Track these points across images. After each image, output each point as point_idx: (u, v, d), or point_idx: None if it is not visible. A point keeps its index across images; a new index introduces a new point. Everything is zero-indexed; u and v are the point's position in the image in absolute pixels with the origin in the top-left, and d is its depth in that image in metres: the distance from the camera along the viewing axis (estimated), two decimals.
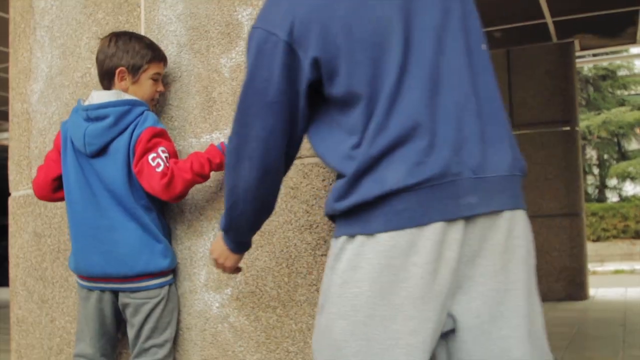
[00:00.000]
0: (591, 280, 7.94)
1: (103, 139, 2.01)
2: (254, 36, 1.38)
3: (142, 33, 2.24)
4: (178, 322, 2.12)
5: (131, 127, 2.00)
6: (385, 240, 1.27)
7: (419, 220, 1.26)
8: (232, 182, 1.46)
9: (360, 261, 1.29)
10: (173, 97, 2.18)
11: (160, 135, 2.01)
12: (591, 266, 9.83)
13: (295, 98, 1.37)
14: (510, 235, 1.33)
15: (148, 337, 2.03)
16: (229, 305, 2.04)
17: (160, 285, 2.04)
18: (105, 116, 2.01)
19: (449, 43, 1.35)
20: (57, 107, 2.44)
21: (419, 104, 1.29)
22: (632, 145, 17.82)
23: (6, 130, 11.70)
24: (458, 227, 1.27)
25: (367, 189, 1.28)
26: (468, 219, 1.28)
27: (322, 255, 1.91)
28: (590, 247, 11.25)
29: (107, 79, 2.08)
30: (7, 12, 2.82)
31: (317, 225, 1.92)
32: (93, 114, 2.02)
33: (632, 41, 7.97)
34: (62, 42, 2.44)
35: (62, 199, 2.14)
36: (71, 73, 2.41)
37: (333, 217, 1.38)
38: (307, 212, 1.94)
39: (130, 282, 2.02)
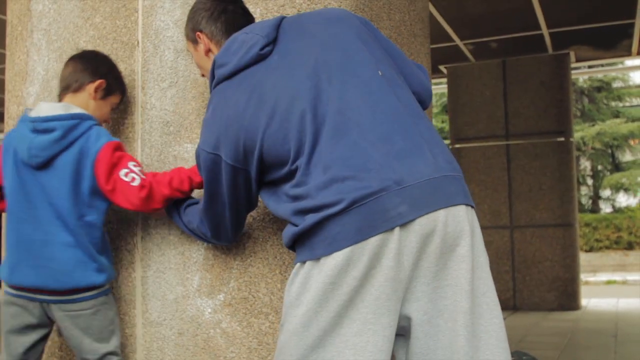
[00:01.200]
0: (583, 290, 7.96)
1: (49, 152, 1.98)
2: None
3: (140, 38, 2.24)
4: (170, 327, 2.12)
5: (80, 141, 1.99)
6: (328, 262, 1.42)
7: (354, 239, 1.40)
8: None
9: (310, 283, 1.44)
10: (169, 103, 2.18)
11: (120, 149, 2.02)
12: (584, 276, 9.86)
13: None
14: (449, 236, 1.44)
15: (98, 349, 2.01)
16: (222, 311, 2.05)
17: (94, 297, 2.02)
18: (52, 129, 1.99)
19: (345, 90, 1.53)
20: None
21: (333, 148, 1.47)
22: (626, 156, 17.88)
23: (2, 131, 11.66)
24: (394, 237, 1.40)
25: (309, 219, 1.45)
26: (404, 225, 1.40)
27: None
28: (583, 258, 11.29)
29: (79, 84, 2.08)
30: (4, 14, 2.82)
31: None
32: (40, 126, 2.00)
33: (627, 53, 8.01)
34: (59, 46, 2.44)
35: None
36: None
37: (293, 247, 1.55)
38: None
39: (61, 295, 1.99)
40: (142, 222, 2.19)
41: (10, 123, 2.60)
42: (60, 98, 2.11)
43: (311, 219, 1.43)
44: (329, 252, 1.42)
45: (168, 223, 2.15)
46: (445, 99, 16.51)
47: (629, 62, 13.02)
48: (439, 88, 15.60)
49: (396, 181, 1.41)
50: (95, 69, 2.10)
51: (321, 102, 1.51)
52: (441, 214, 1.43)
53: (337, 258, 1.40)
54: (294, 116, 1.50)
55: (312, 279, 1.44)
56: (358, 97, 1.52)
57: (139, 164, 2.01)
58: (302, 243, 1.48)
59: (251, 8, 2.05)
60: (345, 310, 1.41)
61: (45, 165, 1.99)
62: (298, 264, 1.50)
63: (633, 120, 17.38)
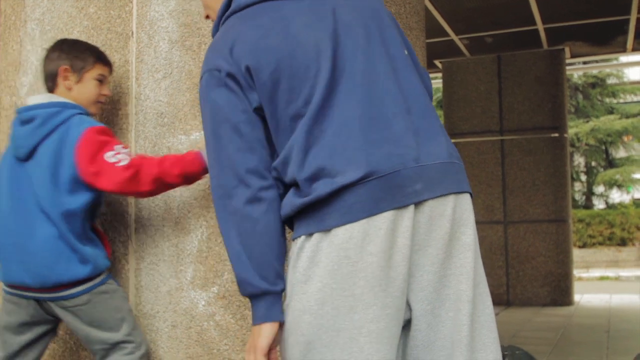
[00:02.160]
0: (576, 286, 7.99)
1: (30, 141, 1.97)
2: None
3: (134, 29, 2.23)
4: (164, 319, 2.11)
5: (60, 129, 1.96)
6: (341, 233, 1.34)
7: (370, 211, 1.33)
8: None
9: (319, 256, 1.35)
10: (163, 94, 2.17)
11: (106, 133, 1.97)
12: (576, 272, 9.90)
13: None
14: (456, 223, 1.41)
15: (107, 339, 1.98)
16: (215, 303, 2.04)
17: (86, 291, 1.97)
18: (33, 118, 1.98)
19: (373, 55, 1.47)
20: None
21: (350, 112, 1.39)
22: (619, 153, 17.92)
23: None
24: (408, 215, 1.35)
25: (321, 188, 1.35)
26: (416, 205, 1.36)
27: None
28: (576, 253, 11.34)
29: (50, 80, 2.06)
30: None
31: None
32: (23, 116, 2.00)
33: (622, 50, 8.02)
34: (53, 36, 2.43)
35: None
36: None
37: (291, 218, 1.43)
38: None
39: (49, 292, 1.96)
40: (135, 214, 2.18)
41: (3, 114, 2.58)
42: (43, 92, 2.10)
43: (325, 187, 1.35)
44: (342, 223, 1.34)
45: (162, 215, 2.14)
46: (440, 94, 16.52)
47: (624, 58, 13.04)
48: (434, 83, 15.59)
49: (414, 158, 1.38)
50: (55, 57, 2.06)
51: (344, 59, 1.44)
52: (451, 198, 1.40)
53: (351, 230, 1.33)
54: (310, 70, 1.42)
55: (322, 252, 1.35)
56: (385, 66, 1.46)
57: (127, 147, 1.97)
58: (308, 214, 1.38)
59: None
60: (361, 292, 1.32)
61: (29, 156, 1.97)
62: (302, 237, 1.39)
63: (627, 117, 17.43)
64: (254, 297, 1.42)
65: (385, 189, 1.34)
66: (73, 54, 2.07)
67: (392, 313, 1.34)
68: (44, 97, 2.03)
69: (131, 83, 2.22)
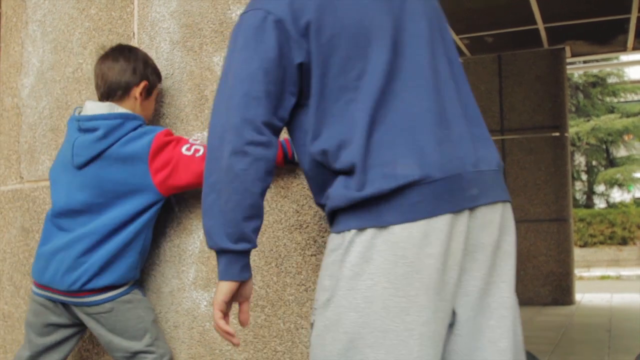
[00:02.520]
0: (577, 285, 7.99)
1: (90, 152, 1.96)
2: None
3: (135, 30, 2.23)
4: (166, 320, 2.11)
5: (124, 140, 1.94)
6: (399, 232, 1.30)
7: (431, 212, 1.30)
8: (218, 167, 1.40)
9: (373, 253, 1.30)
10: (165, 95, 2.18)
11: (172, 134, 1.98)
12: (578, 271, 9.89)
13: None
14: (503, 231, 1.40)
15: (128, 347, 1.97)
16: None
17: (110, 299, 1.97)
18: (95, 128, 1.96)
19: (436, 53, 1.44)
20: (48, 102, 2.43)
21: (419, 103, 1.36)
22: (620, 152, 17.91)
23: None
24: (463, 219, 1.33)
25: (381, 182, 1.31)
26: (471, 210, 1.34)
27: (311, 255, 1.91)
28: (577, 253, 11.32)
29: (123, 90, 2.01)
30: None
31: (307, 225, 1.93)
32: (84, 125, 1.98)
33: (623, 49, 8.02)
34: (54, 37, 2.43)
35: None
36: (62, 68, 2.40)
37: (336, 211, 1.38)
38: (297, 212, 1.94)
39: (73, 296, 1.96)
40: None
41: (4, 115, 2.59)
42: (102, 100, 2.04)
43: (387, 181, 1.30)
44: (401, 221, 1.30)
45: (163, 215, 2.14)
46: None
47: (624, 57, 13.00)
48: None
49: (473, 162, 1.37)
50: (133, 69, 2.02)
51: (404, 45, 1.40)
52: (500, 206, 1.40)
53: (410, 229, 1.29)
54: (370, 45, 1.38)
55: (377, 249, 1.30)
56: (445, 65, 1.44)
57: (197, 140, 1.97)
58: (361, 207, 1.33)
59: (239, 7, 2.04)
60: (415, 294, 1.29)
61: (86, 164, 1.97)
62: (353, 231, 1.33)
63: (628, 116, 17.41)
64: (217, 252, 1.41)
65: (447, 191, 1.32)
66: (150, 69, 2.06)
67: (441, 317, 1.32)
68: (105, 107, 1.99)
69: None
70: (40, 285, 2.03)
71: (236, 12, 2.06)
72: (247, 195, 1.37)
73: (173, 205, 2.13)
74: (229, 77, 1.40)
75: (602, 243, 15.15)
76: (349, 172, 1.35)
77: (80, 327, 2.07)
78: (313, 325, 1.39)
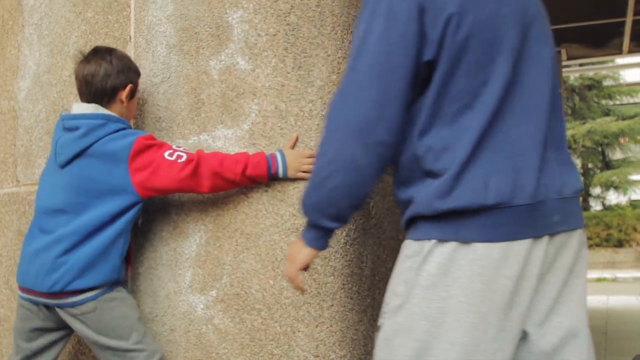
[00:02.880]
0: None
1: (72, 150, 1.97)
2: None
3: (132, 33, 2.23)
4: (162, 323, 2.11)
5: (105, 140, 1.95)
6: (480, 249, 1.31)
7: (513, 235, 1.32)
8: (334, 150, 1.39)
9: (452, 266, 1.32)
10: (161, 98, 2.18)
11: (155, 139, 1.99)
12: None
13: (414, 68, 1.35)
14: (578, 255, 1.43)
15: (117, 347, 1.96)
16: (214, 307, 2.04)
17: (92, 298, 1.95)
18: (77, 127, 1.98)
19: (552, 77, 1.44)
20: (44, 105, 2.43)
21: (526, 126, 1.37)
22: (616, 154, 17.94)
23: None
24: (542, 245, 1.35)
25: (468, 197, 1.32)
26: (551, 236, 1.36)
27: None
28: None
29: (109, 94, 2.01)
30: None
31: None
32: (67, 124, 2.01)
33: (618, 52, 8.04)
34: (51, 40, 2.43)
35: None
36: (59, 71, 2.40)
37: (416, 217, 1.38)
38: (294, 216, 1.95)
39: (55, 298, 1.95)
40: None
41: (1, 118, 2.59)
42: (89, 102, 2.04)
43: (477, 196, 1.30)
44: (484, 239, 1.31)
45: (160, 219, 2.14)
46: None
47: (620, 60, 13.05)
48: None
49: (557, 189, 1.39)
50: (118, 72, 2.02)
51: (524, 60, 1.39)
52: (578, 232, 1.43)
53: (491, 249, 1.31)
54: (500, 54, 1.35)
55: (457, 263, 1.31)
56: (549, 84, 1.44)
57: (180, 147, 1.98)
58: (445, 218, 1.33)
59: (244, 3, 2.04)
60: (486, 312, 1.31)
61: (68, 163, 1.98)
62: (433, 241, 1.34)
63: (624, 119, 17.44)
64: (311, 223, 1.48)
65: (531, 217, 1.33)
66: (132, 71, 2.06)
67: (505, 337, 1.34)
68: (89, 107, 2.01)
69: None
70: (23, 289, 2.02)
71: (232, 15, 2.06)
72: (361, 187, 1.40)
73: (169, 209, 2.13)
74: (364, 65, 1.35)
75: (598, 245, 15.17)
76: (440, 175, 1.34)
77: (66, 330, 2.07)
78: (381, 327, 1.42)
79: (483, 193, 1.31)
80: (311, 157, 1.92)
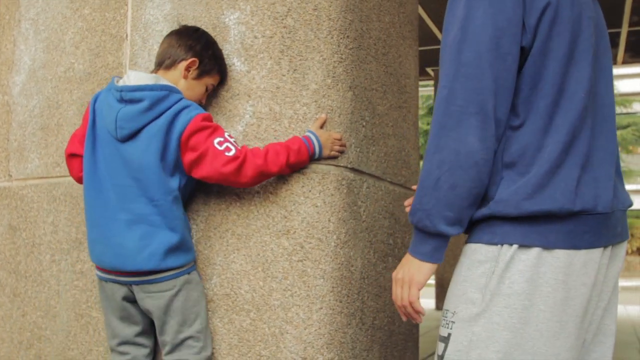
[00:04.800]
0: None
1: (135, 124, 1.88)
2: None
3: (129, 31, 2.23)
4: None
5: (168, 113, 1.88)
6: (563, 257, 1.30)
7: (592, 243, 1.33)
8: (449, 147, 1.31)
9: (535, 274, 1.29)
10: None
11: (211, 120, 1.93)
12: None
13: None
14: (622, 264, 1.48)
15: (178, 332, 1.93)
16: None
17: (173, 277, 1.93)
18: (140, 99, 1.88)
19: (607, 85, 1.46)
20: (39, 100, 2.43)
21: (601, 136, 1.39)
22: None
23: None
24: (607, 253, 1.38)
25: (559, 200, 1.29)
26: (613, 246, 1.40)
27: (298, 260, 1.92)
28: None
29: (169, 61, 1.97)
30: None
31: (294, 231, 1.93)
32: (127, 96, 1.89)
33: (613, 62, 8.08)
34: (47, 36, 2.43)
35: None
36: (54, 67, 2.40)
37: (493, 217, 1.33)
38: (285, 218, 1.95)
39: (137, 276, 1.92)
40: None
41: None
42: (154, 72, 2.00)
43: (568, 203, 1.28)
44: (568, 246, 1.29)
45: None
46: (431, 101, 16.50)
47: (615, 71, 13.10)
48: (426, 90, 15.65)
49: (621, 201, 1.43)
50: (189, 46, 1.98)
51: (596, 74, 1.40)
52: (625, 243, 1.47)
53: (573, 256, 1.29)
54: (579, 59, 1.33)
55: (541, 270, 1.29)
56: (612, 104, 1.48)
57: (232, 137, 1.91)
58: (529, 221, 1.29)
59: (241, 5, 2.05)
60: (567, 320, 1.31)
61: (130, 137, 1.90)
62: (515, 246, 1.30)
63: (617, 129, 17.55)
64: (426, 232, 1.35)
65: (605, 226, 1.35)
66: (210, 54, 1.99)
67: (579, 344, 1.36)
68: (149, 78, 1.92)
69: None
70: (104, 270, 1.97)
71: (229, 17, 2.07)
72: (480, 184, 1.31)
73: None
74: (470, 54, 1.29)
75: None
76: (526, 173, 1.31)
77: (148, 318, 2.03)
78: (449, 338, 1.36)
79: (572, 197, 1.29)
80: (341, 138, 1.96)
